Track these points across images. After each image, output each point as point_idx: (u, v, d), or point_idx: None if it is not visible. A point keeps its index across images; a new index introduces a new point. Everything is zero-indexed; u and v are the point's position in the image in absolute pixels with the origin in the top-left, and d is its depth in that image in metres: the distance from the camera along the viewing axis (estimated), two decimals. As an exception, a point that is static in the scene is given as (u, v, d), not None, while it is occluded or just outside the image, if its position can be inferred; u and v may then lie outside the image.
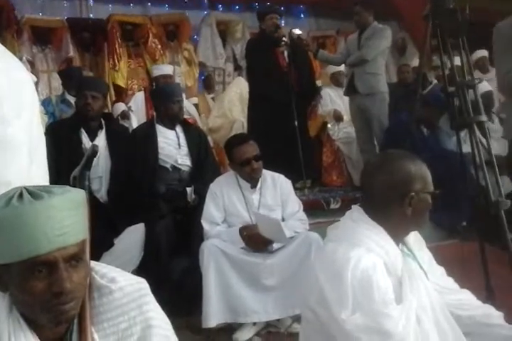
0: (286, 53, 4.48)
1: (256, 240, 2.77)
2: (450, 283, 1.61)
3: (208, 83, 6.91)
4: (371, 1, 4.51)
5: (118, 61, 6.37)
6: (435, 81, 5.66)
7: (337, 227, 1.53)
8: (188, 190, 3.22)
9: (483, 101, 2.92)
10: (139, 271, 2.78)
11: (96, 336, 1.10)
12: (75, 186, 1.32)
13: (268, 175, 2.99)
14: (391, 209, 1.45)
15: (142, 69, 6.59)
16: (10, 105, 1.46)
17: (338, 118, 5.31)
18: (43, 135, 1.64)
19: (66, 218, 1.03)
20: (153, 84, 5.50)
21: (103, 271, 1.18)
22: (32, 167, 1.54)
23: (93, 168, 2.65)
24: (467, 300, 1.58)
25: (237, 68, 7.31)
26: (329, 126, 5.40)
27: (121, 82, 6.35)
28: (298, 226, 2.86)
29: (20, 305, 1.06)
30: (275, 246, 2.79)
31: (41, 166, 1.60)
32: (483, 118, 2.59)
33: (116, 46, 6.42)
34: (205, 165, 3.41)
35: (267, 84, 4.41)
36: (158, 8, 7.13)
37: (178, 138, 3.41)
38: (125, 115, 4.93)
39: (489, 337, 1.51)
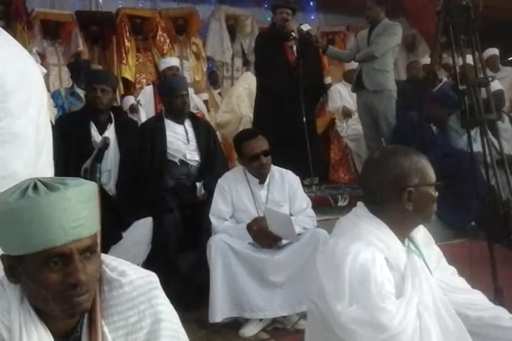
0: (294, 48, 4.45)
1: (264, 234, 2.76)
2: (461, 283, 1.59)
3: (213, 79, 6.90)
4: None
5: (126, 54, 6.38)
6: (445, 79, 5.63)
7: (340, 223, 1.54)
8: (198, 185, 3.22)
9: (493, 100, 2.90)
10: (146, 265, 2.78)
11: (106, 329, 1.11)
12: (85, 178, 1.32)
13: (276, 171, 2.98)
14: (392, 206, 1.44)
15: (150, 63, 6.59)
16: (18, 98, 1.46)
17: (346, 114, 5.30)
18: (50, 127, 1.64)
19: (81, 210, 1.03)
20: (161, 77, 5.50)
21: (113, 264, 1.18)
22: (39, 159, 1.54)
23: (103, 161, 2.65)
24: (477, 300, 1.56)
25: (246, 63, 7.29)
26: (337, 122, 5.38)
27: (129, 76, 6.36)
28: (307, 223, 2.86)
29: (33, 296, 1.06)
30: (283, 241, 2.79)
31: (48, 159, 1.60)
32: (495, 116, 2.57)
33: (125, 40, 6.43)
34: (214, 160, 3.42)
35: (274, 80, 4.37)
36: (168, 3, 7.10)
37: (186, 132, 3.41)
38: (134, 109, 4.93)
39: (497, 339, 1.49)
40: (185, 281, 2.89)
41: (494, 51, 5.91)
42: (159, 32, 6.66)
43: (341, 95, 5.38)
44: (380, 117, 4.42)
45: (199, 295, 2.78)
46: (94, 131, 3.19)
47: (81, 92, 4.33)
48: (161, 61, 5.73)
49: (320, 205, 3.56)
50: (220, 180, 2.95)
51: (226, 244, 2.70)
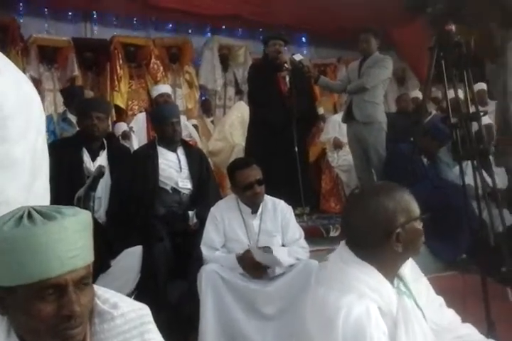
0: (287, 79, 4.51)
1: (254, 266, 2.72)
2: (450, 315, 1.55)
3: (206, 107, 6.96)
4: (378, 30, 4.57)
5: (119, 82, 6.42)
6: (434, 112, 5.73)
7: (326, 268, 1.47)
8: (190, 213, 3.19)
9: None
10: (135, 295, 2.73)
11: (96, 363, 1.07)
12: (79, 207, 1.30)
13: (269, 201, 2.97)
14: (380, 250, 1.38)
15: (143, 90, 6.63)
16: (17, 124, 1.44)
17: (337, 146, 5.33)
18: (47, 151, 1.62)
19: (78, 240, 1.01)
20: (153, 105, 5.53)
21: (105, 295, 1.15)
22: (33, 186, 1.51)
23: (94, 188, 2.62)
24: (467, 335, 1.52)
25: (239, 92, 7.37)
26: (328, 153, 5.41)
27: (120, 103, 6.38)
28: (300, 253, 2.84)
29: (22, 329, 1.03)
30: (277, 271, 2.75)
31: (44, 183, 1.58)
32: (488, 149, 2.61)
33: (118, 67, 6.48)
34: (207, 188, 3.40)
35: (267, 110, 4.41)
36: (162, 32, 7.20)
37: (179, 160, 3.41)
38: (126, 135, 4.93)
39: None
40: (175, 311, 2.83)
41: (482, 86, 6.05)
42: (153, 60, 6.73)
43: (340, 126, 5.36)
44: (371, 149, 4.45)
45: (189, 326, 2.72)
46: (86, 157, 3.17)
47: (73, 118, 4.32)
48: (153, 88, 5.78)
49: (312, 235, 3.53)
50: (212, 209, 2.92)
51: (217, 274, 2.66)
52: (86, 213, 1.09)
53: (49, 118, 4.78)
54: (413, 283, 1.48)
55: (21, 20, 6.22)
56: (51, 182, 1.59)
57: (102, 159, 3.19)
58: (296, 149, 4.28)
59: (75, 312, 0.99)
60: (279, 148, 4.37)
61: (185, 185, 3.34)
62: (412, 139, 4.11)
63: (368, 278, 1.36)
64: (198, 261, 2.80)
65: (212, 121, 6.72)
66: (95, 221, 3.01)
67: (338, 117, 5.53)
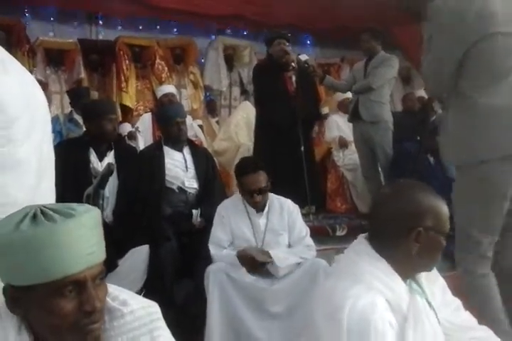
0: (294, 78, 4.51)
1: (249, 261, 2.73)
2: (466, 318, 1.53)
3: (211, 107, 6.96)
4: (379, 30, 4.56)
5: (126, 82, 6.43)
6: (440, 110, 5.69)
7: (340, 260, 1.47)
8: (194, 212, 3.20)
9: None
10: (142, 294, 2.73)
11: (106, 360, 1.08)
12: (88, 204, 1.31)
13: (275, 199, 2.98)
14: (396, 244, 1.37)
15: (148, 91, 6.64)
16: (22, 124, 1.45)
17: (343, 144, 5.32)
18: (53, 152, 1.63)
19: (94, 236, 1.03)
20: (159, 105, 5.54)
21: (115, 293, 1.16)
22: (39, 187, 1.52)
23: (101, 187, 2.62)
24: (482, 338, 1.50)
25: (244, 92, 7.36)
26: (334, 152, 5.41)
27: (129, 103, 6.38)
28: (306, 253, 2.83)
29: (40, 326, 1.03)
30: (281, 272, 2.75)
31: (49, 184, 1.58)
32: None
33: (125, 67, 6.49)
34: (213, 187, 3.40)
35: (274, 110, 4.41)
36: (166, 35, 7.21)
37: (185, 160, 3.42)
38: (132, 136, 4.94)
39: None
40: (181, 311, 2.83)
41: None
42: (157, 60, 6.72)
43: (338, 125, 5.42)
44: (377, 148, 4.45)
45: (196, 325, 2.72)
46: (93, 157, 3.17)
47: (79, 119, 4.34)
48: (157, 89, 5.79)
49: (318, 234, 3.53)
50: (219, 208, 2.93)
51: (224, 272, 2.67)
52: (96, 210, 1.10)
53: (55, 119, 4.80)
54: (427, 283, 1.46)
55: (27, 23, 6.23)
56: (57, 183, 1.59)
57: (110, 159, 3.17)
58: (302, 149, 4.28)
59: (95, 307, 1.00)
60: (285, 147, 4.37)
61: (191, 184, 3.35)
62: (418, 138, 4.10)
63: (378, 271, 1.35)
64: (205, 260, 2.81)
65: (217, 122, 6.73)
66: (102, 220, 3.03)
67: (338, 117, 5.54)
